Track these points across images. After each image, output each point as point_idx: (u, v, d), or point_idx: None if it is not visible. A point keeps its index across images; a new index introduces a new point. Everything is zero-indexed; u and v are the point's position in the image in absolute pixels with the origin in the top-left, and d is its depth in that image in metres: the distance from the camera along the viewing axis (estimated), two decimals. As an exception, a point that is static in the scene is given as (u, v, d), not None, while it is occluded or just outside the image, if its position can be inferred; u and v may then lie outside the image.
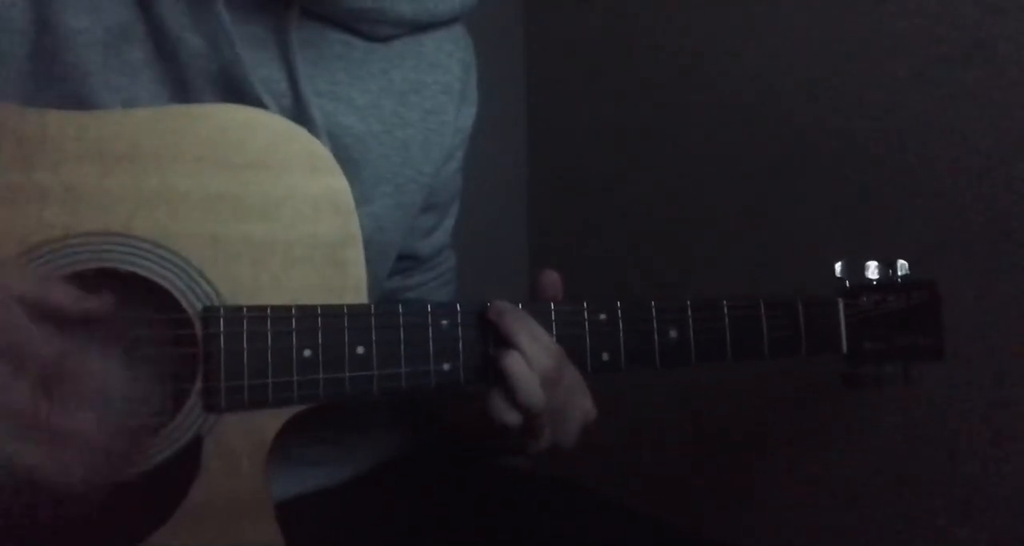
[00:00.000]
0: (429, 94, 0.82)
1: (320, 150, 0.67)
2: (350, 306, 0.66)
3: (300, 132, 0.67)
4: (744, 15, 1.27)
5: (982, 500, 1.01)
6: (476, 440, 0.81)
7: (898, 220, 1.06)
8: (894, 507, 1.10)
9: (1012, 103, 0.96)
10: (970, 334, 0.96)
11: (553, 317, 0.71)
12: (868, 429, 1.11)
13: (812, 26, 1.17)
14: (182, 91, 0.68)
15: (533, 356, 0.67)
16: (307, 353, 0.64)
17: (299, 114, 0.71)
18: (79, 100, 0.65)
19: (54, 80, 0.65)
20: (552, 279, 0.73)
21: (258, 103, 0.68)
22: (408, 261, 0.89)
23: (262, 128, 0.65)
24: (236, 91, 0.69)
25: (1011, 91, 0.96)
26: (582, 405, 0.72)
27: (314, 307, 0.64)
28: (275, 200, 0.65)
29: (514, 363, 0.67)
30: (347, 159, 0.73)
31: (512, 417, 0.67)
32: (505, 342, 0.68)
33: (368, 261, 0.69)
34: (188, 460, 0.62)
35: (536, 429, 0.69)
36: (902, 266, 0.81)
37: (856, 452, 1.13)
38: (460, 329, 0.68)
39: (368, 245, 0.69)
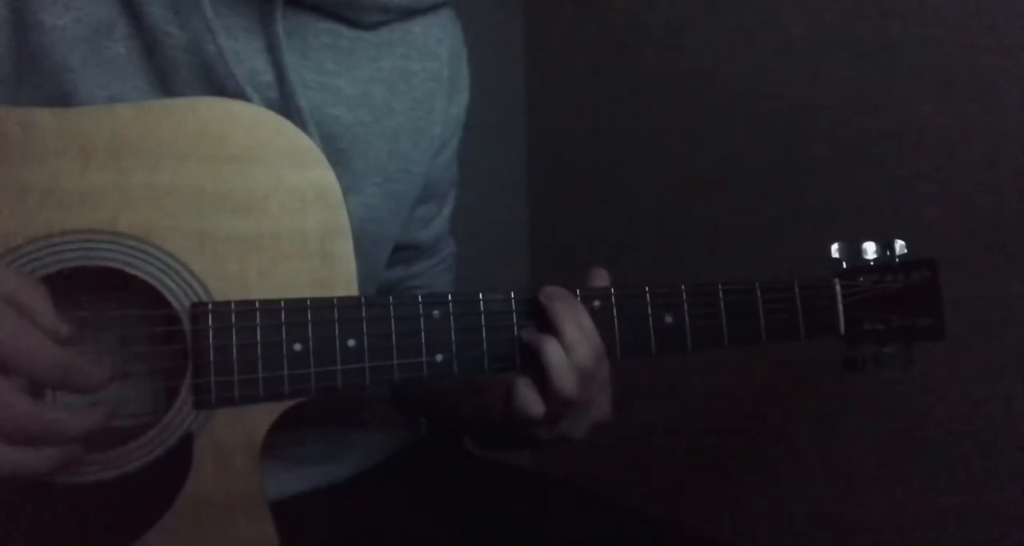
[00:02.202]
0: (418, 82, 0.81)
1: (305, 143, 0.67)
2: (340, 299, 0.65)
3: (285, 124, 0.66)
4: (743, 13, 1.26)
5: (982, 495, 0.99)
6: (478, 429, 0.81)
7: (895, 203, 1.05)
8: (894, 504, 1.08)
9: (1012, 94, 0.95)
10: (967, 320, 0.94)
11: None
12: (868, 427, 1.11)
13: (810, 22, 1.16)
14: (166, 86, 0.68)
15: (575, 346, 0.66)
16: (297, 347, 0.63)
17: (286, 106, 0.71)
18: (62, 98, 0.64)
19: (36, 79, 0.64)
20: (600, 275, 0.73)
21: (242, 97, 0.68)
22: (410, 251, 0.89)
23: (245, 121, 0.65)
24: (220, 85, 0.68)
25: (1012, 82, 0.95)
26: (602, 403, 0.71)
27: (303, 300, 0.64)
28: (261, 194, 0.65)
29: (554, 351, 0.65)
30: (336, 150, 0.73)
31: (538, 408, 0.66)
32: (549, 328, 0.67)
33: (364, 251, 0.68)
34: (180, 457, 0.61)
35: (553, 419, 0.68)
36: (900, 246, 0.80)
37: (856, 449, 1.12)
38: (452, 319, 0.67)
39: (362, 235, 0.68)
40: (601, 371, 0.69)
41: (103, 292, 0.62)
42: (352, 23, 0.76)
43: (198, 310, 0.62)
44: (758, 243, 1.24)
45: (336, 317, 0.64)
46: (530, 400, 0.66)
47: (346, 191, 0.67)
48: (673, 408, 1.37)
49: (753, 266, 1.23)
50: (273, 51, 0.71)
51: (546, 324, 0.67)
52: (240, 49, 0.70)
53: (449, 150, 0.88)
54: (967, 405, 1.00)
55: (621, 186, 1.52)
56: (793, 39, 1.18)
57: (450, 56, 0.84)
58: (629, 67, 1.49)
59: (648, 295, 0.71)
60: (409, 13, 0.80)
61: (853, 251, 0.80)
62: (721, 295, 0.73)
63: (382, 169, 0.79)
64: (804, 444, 1.19)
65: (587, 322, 0.68)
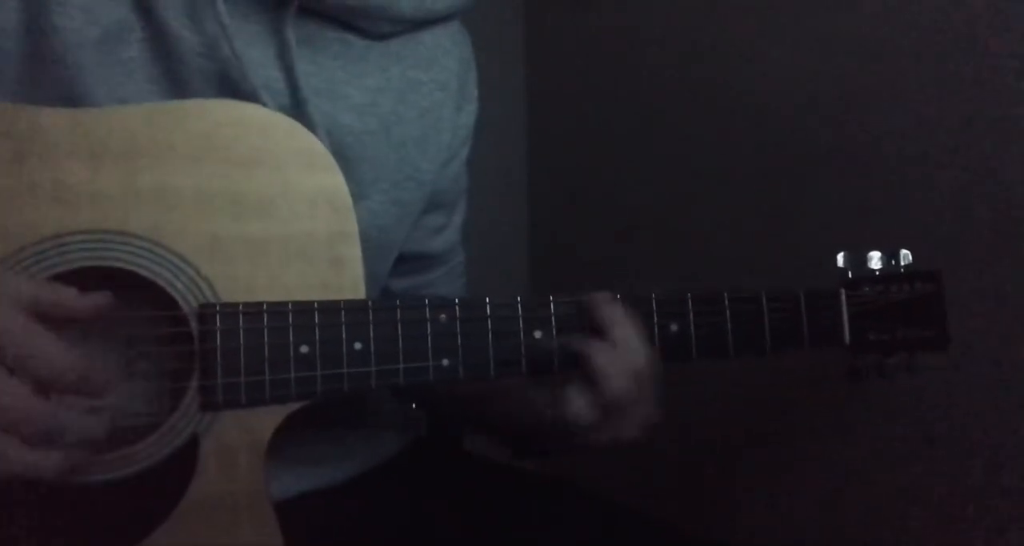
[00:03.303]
0: (426, 91, 0.81)
1: (316, 146, 0.67)
2: (347, 301, 0.65)
3: (296, 127, 0.66)
4: (743, 13, 1.26)
5: (980, 499, 1.00)
6: (512, 436, 0.81)
7: (901, 212, 1.05)
8: (893, 507, 1.09)
9: (1014, 95, 0.95)
10: (972, 328, 0.95)
11: (553, 311, 0.70)
12: (867, 429, 1.11)
13: (812, 22, 1.16)
14: (178, 90, 0.68)
15: (626, 348, 0.67)
16: (304, 349, 0.63)
17: (297, 113, 0.70)
18: (73, 100, 0.64)
19: (48, 80, 0.64)
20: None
21: (256, 102, 0.68)
22: (423, 260, 0.90)
23: (257, 124, 0.65)
24: (234, 90, 0.68)
25: (1012, 83, 0.95)
26: (649, 401, 0.71)
27: (311, 303, 0.64)
28: (271, 197, 0.65)
29: (606, 356, 0.66)
30: (344, 157, 0.73)
31: (591, 414, 0.67)
32: (597, 333, 0.68)
33: (368, 257, 0.68)
34: (186, 459, 0.61)
35: (601, 424, 0.68)
36: (905, 256, 0.80)
37: (856, 452, 1.13)
38: (459, 324, 0.67)
39: (367, 241, 0.68)
40: (649, 370, 0.69)
41: (112, 293, 0.62)
42: (362, 33, 0.76)
43: (206, 311, 0.62)
44: (758, 242, 1.24)
45: (343, 320, 0.64)
46: (584, 406, 0.67)
47: (353, 197, 0.67)
48: (674, 410, 1.36)
49: (753, 265, 1.23)
50: (284, 58, 0.71)
51: (594, 328, 0.68)
52: (252, 56, 0.69)
53: (458, 161, 0.88)
54: (969, 408, 1.00)
55: (621, 186, 1.52)
56: (793, 39, 1.19)
57: (460, 67, 0.85)
58: (629, 67, 1.50)
59: (654, 303, 0.72)
60: (419, 24, 0.80)
61: (858, 261, 0.80)
62: (727, 304, 0.74)
63: (389, 176, 0.79)
64: (805, 446, 1.19)
65: (632, 323, 0.69)
